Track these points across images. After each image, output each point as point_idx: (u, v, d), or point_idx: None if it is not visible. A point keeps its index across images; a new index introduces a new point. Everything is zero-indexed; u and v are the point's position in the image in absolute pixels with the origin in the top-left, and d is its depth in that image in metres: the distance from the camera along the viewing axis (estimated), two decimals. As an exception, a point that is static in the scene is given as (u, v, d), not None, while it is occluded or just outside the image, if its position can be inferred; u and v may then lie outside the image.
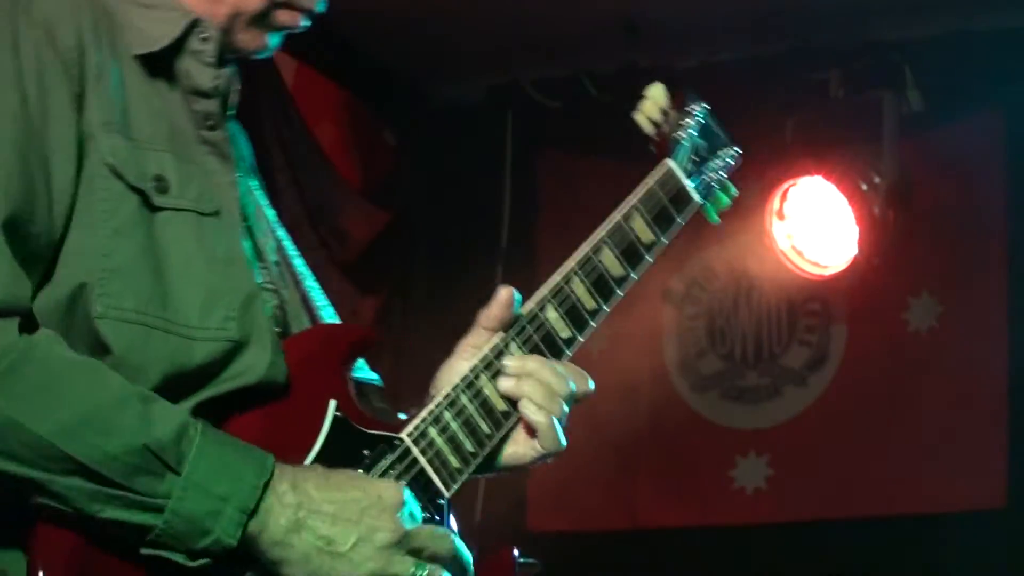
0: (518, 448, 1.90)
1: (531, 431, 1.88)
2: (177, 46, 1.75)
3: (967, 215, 4.97)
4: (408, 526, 1.65)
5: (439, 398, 1.83)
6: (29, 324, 1.56)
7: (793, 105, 5.00)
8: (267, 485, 1.57)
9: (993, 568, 4.61)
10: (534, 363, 1.87)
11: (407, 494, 1.68)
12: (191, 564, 1.54)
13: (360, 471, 1.72)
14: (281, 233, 1.97)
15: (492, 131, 5.56)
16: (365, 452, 1.75)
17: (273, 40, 1.87)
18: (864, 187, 4.84)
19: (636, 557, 5.09)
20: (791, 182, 4.97)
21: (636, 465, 5.26)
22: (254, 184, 1.96)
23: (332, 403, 1.75)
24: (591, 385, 1.93)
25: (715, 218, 2.21)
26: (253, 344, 1.68)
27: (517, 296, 1.91)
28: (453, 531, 1.76)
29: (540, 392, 1.85)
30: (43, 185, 1.59)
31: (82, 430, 1.51)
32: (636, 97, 2.23)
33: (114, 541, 1.55)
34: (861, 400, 5.03)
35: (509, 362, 1.86)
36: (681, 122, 2.17)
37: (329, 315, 1.95)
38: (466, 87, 5.63)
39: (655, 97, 2.14)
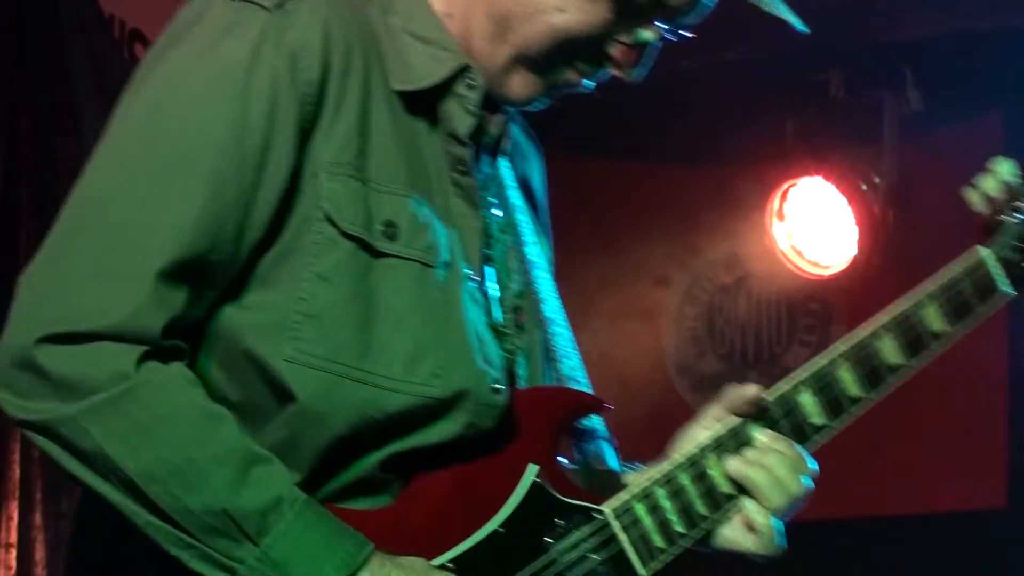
0: (735, 534, 1.83)
1: (750, 526, 1.81)
2: (443, 87, 1.70)
3: (967, 215, 4.96)
4: None
5: (654, 472, 1.78)
6: (159, 354, 1.53)
7: (793, 106, 5.00)
8: None
9: (993, 568, 4.61)
10: (773, 457, 1.80)
11: None
12: None
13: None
14: (539, 273, 1.90)
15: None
16: (559, 521, 1.70)
17: (546, 98, 1.82)
18: (864, 187, 4.84)
19: (636, 557, 5.08)
20: (791, 182, 4.97)
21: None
22: (524, 222, 1.90)
23: (532, 468, 1.70)
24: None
25: None
26: (458, 405, 1.63)
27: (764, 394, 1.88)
28: None
29: (769, 487, 1.79)
30: (234, 221, 1.55)
31: (168, 479, 1.49)
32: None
33: None
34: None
35: (748, 450, 1.79)
36: (1014, 203, 2.09)
37: (571, 365, 1.88)
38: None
39: (1001, 173, 2.07)
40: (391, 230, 1.62)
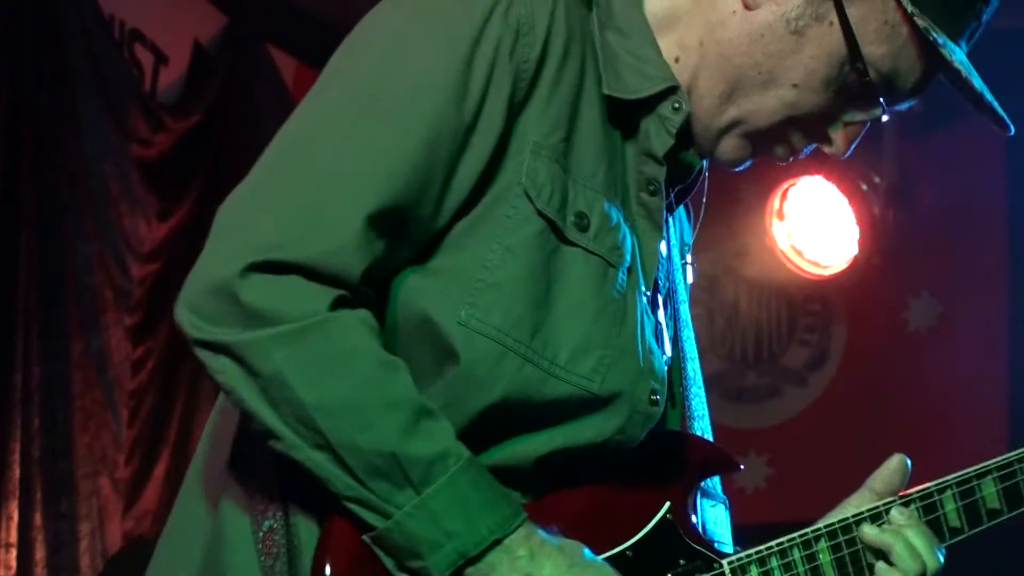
0: None
1: None
2: (648, 104, 1.70)
3: (967, 215, 4.97)
4: None
5: (773, 543, 1.78)
6: (353, 299, 1.54)
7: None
8: (498, 542, 1.54)
9: (992, 568, 4.61)
10: (911, 530, 1.85)
11: None
12: (396, 573, 1.54)
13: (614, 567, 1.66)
14: (686, 332, 1.93)
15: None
16: (681, 561, 1.72)
17: (749, 161, 1.84)
18: (864, 187, 4.84)
19: (636, 557, 5.09)
20: (791, 182, 4.97)
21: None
22: (680, 280, 1.94)
23: (667, 504, 1.73)
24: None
25: None
26: (614, 406, 1.64)
27: (907, 463, 1.93)
28: None
29: (905, 552, 1.83)
30: (442, 179, 1.57)
31: (343, 414, 1.50)
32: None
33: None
34: (861, 400, 5.03)
35: (887, 523, 1.83)
36: None
37: (700, 428, 1.90)
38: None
39: None
40: (583, 221, 1.63)
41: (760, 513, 5.10)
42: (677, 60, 1.72)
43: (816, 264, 5.01)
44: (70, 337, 4.47)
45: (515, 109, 1.60)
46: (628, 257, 1.68)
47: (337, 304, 1.51)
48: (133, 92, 5.03)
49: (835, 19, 1.68)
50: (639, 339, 1.67)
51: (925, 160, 4.95)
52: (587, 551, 1.62)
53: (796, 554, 1.79)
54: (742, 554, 1.77)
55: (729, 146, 1.79)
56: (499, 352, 1.58)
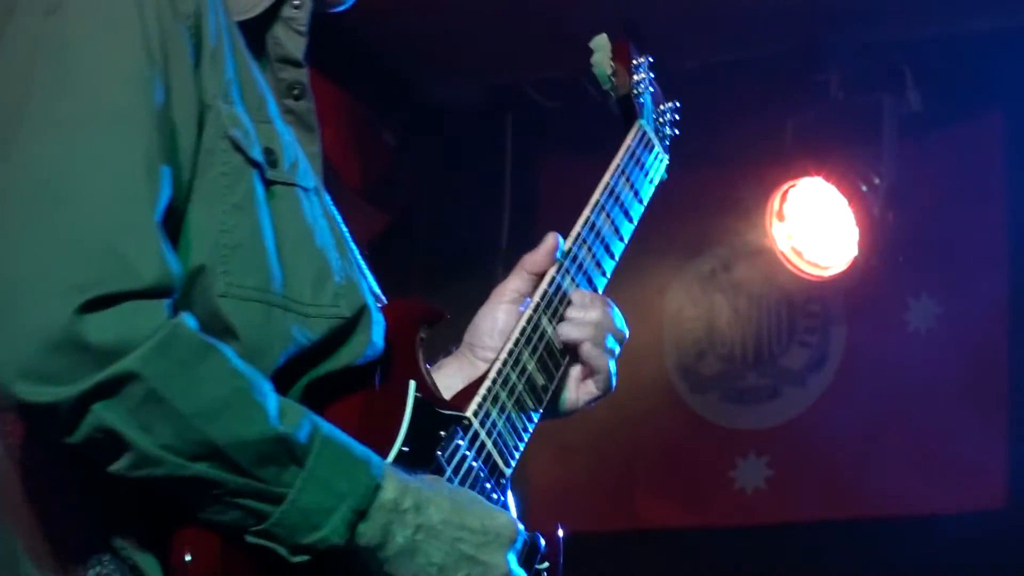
0: (571, 394, 1.94)
1: (587, 375, 1.92)
2: (270, 12, 1.71)
3: (967, 215, 4.97)
4: (516, 568, 1.64)
5: (496, 366, 1.83)
6: (178, 301, 1.51)
7: (793, 106, 5.00)
8: (378, 488, 1.54)
9: (993, 568, 4.61)
10: (596, 311, 1.92)
11: (520, 531, 1.66)
12: (292, 559, 1.51)
13: (477, 493, 1.71)
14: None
15: (492, 131, 5.56)
16: (441, 433, 1.74)
17: None
18: (864, 188, 4.84)
19: (636, 558, 5.09)
20: (791, 183, 4.97)
21: (637, 466, 5.27)
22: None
23: (412, 384, 1.74)
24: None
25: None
26: (360, 323, 1.66)
27: (560, 240, 1.99)
28: (512, 512, 1.77)
29: (601, 336, 1.90)
30: (175, 155, 1.54)
31: (222, 412, 1.47)
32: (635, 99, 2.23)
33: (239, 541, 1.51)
34: (861, 401, 5.03)
35: (572, 311, 1.91)
36: (635, 77, 2.21)
37: (372, 279, 1.91)
38: (466, 87, 5.63)
39: (602, 47, 2.17)
40: (272, 157, 1.63)
41: (760, 514, 5.11)
42: None
43: (816, 265, 5.00)
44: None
45: (198, 67, 1.59)
46: (310, 175, 1.69)
47: (172, 311, 1.48)
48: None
49: None
50: (350, 252, 1.71)
51: (925, 161, 4.95)
52: (446, 482, 1.66)
53: (513, 375, 1.84)
54: (476, 400, 1.80)
55: None
56: (265, 311, 1.58)
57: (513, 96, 5.50)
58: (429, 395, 1.76)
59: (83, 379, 1.42)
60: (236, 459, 1.47)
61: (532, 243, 2.06)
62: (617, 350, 1.93)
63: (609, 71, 2.19)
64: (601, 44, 2.20)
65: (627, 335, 1.96)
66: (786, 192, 4.98)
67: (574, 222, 2.10)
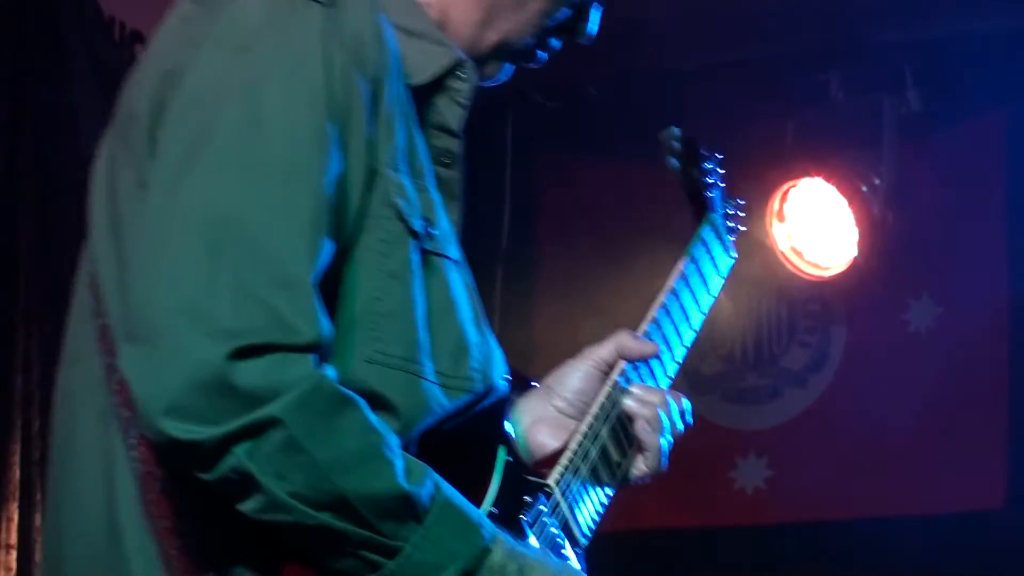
0: (635, 466, 1.97)
1: (639, 451, 1.95)
2: (437, 81, 1.70)
3: (967, 215, 4.97)
4: None
5: (577, 438, 1.86)
6: (324, 354, 1.52)
7: (793, 107, 5.00)
8: (487, 551, 1.56)
9: (993, 568, 4.61)
10: (658, 396, 1.96)
11: None
12: None
13: (567, 559, 1.77)
14: None
15: (492, 131, 5.56)
16: (526, 498, 1.77)
17: (508, 72, 1.84)
18: (864, 189, 4.85)
19: (636, 557, 5.09)
20: (791, 183, 4.97)
21: (636, 466, 5.26)
22: None
23: (502, 448, 1.77)
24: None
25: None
26: (488, 397, 1.69)
27: (662, 346, 2.04)
28: None
29: (657, 417, 1.94)
30: (338, 215, 1.54)
31: (356, 466, 1.48)
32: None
33: None
34: (861, 401, 5.03)
35: (640, 389, 1.94)
36: (705, 170, 2.25)
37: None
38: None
39: (675, 138, 2.22)
40: (429, 228, 1.64)
41: (760, 514, 5.11)
42: (429, 5, 1.72)
43: (816, 265, 5.01)
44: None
45: (373, 129, 1.58)
46: (457, 248, 1.70)
47: (317, 363, 1.49)
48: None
49: None
50: (485, 325, 1.72)
51: (925, 161, 4.95)
52: (548, 551, 1.71)
53: (591, 449, 1.87)
54: (558, 469, 1.83)
55: (493, 68, 1.80)
56: (408, 381, 1.59)
57: (513, 96, 5.50)
58: (516, 460, 1.78)
59: (228, 421, 1.43)
60: (362, 512, 1.48)
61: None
62: (671, 436, 1.97)
63: (681, 163, 2.23)
64: (674, 136, 2.20)
65: (683, 428, 2.00)
66: (786, 192, 4.98)
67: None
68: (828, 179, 4.87)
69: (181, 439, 1.44)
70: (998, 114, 4.95)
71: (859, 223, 4.85)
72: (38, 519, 4.21)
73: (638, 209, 5.05)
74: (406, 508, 1.50)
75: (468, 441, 1.70)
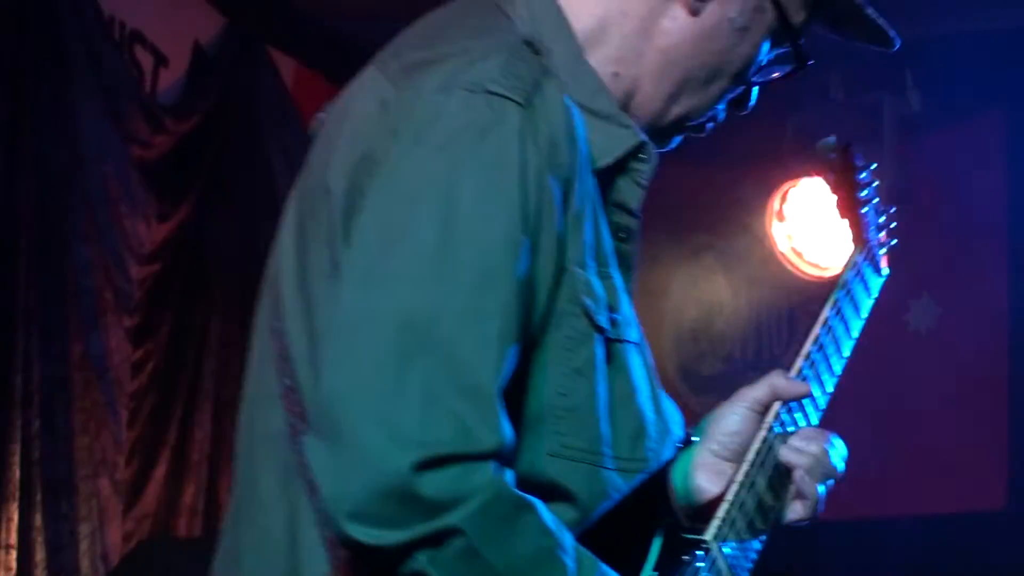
0: (789, 511, 1.93)
1: (796, 497, 1.90)
2: (619, 163, 1.70)
3: (967, 215, 4.97)
4: None
5: (734, 488, 1.84)
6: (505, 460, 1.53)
7: (793, 106, 5.00)
8: None
9: (993, 568, 4.61)
10: (816, 444, 1.93)
11: None
12: None
13: None
14: None
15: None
16: (684, 557, 1.76)
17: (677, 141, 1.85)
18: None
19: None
20: (791, 183, 4.97)
21: (636, 466, 5.27)
22: None
23: (661, 508, 1.77)
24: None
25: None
26: (658, 471, 1.72)
27: (813, 386, 2.03)
28: None
29: (816, 467, 1.92)
30: (527, 318, 1.54)
31: (530, 571, 1.50)
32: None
33: None
34: (861, 401, 5.03)
35: (796, 439, 1.91)
36: (860, 186, 2.21)
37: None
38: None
39: (830, 149, 2.17)
40: (614, 315, 1.64)
41: (760, 514, 5.10)
42: (616, 75, 1.71)
43: (816, 266, 5.01)
44: (70, 338, 4.47)
45: (564, 226, 1.58)
46: (636, 326, 1.71)
47: (498, 469, 1.50)
48: (133, 93, 5.03)
49: (768, 5, 1.74)
50: (661, 401, 1.74)
51: (925, 161, 4.95)
52: None
53: (747, 499, 1.84)
54: (715, 524, 1.80)
55: (669, 140, 1.83)
56: (590, 472, 1.61)
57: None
58: (674, 519, 1.79)
59: (411, 528, 1.45)
60: None
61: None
62: (829, 483, 1.95)
63: (837, 177, 2.21)
64: (830, 147, 2.17)
65: (840, 473, 1.98)
66: (786, 192, 4.98)
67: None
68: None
69: (365, 543, 1.46)
70: (998, 114, 4.96)
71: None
72: (38, 519, 4.21)
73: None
74: None
75: (630, 506, 1.71)
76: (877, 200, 2.27)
